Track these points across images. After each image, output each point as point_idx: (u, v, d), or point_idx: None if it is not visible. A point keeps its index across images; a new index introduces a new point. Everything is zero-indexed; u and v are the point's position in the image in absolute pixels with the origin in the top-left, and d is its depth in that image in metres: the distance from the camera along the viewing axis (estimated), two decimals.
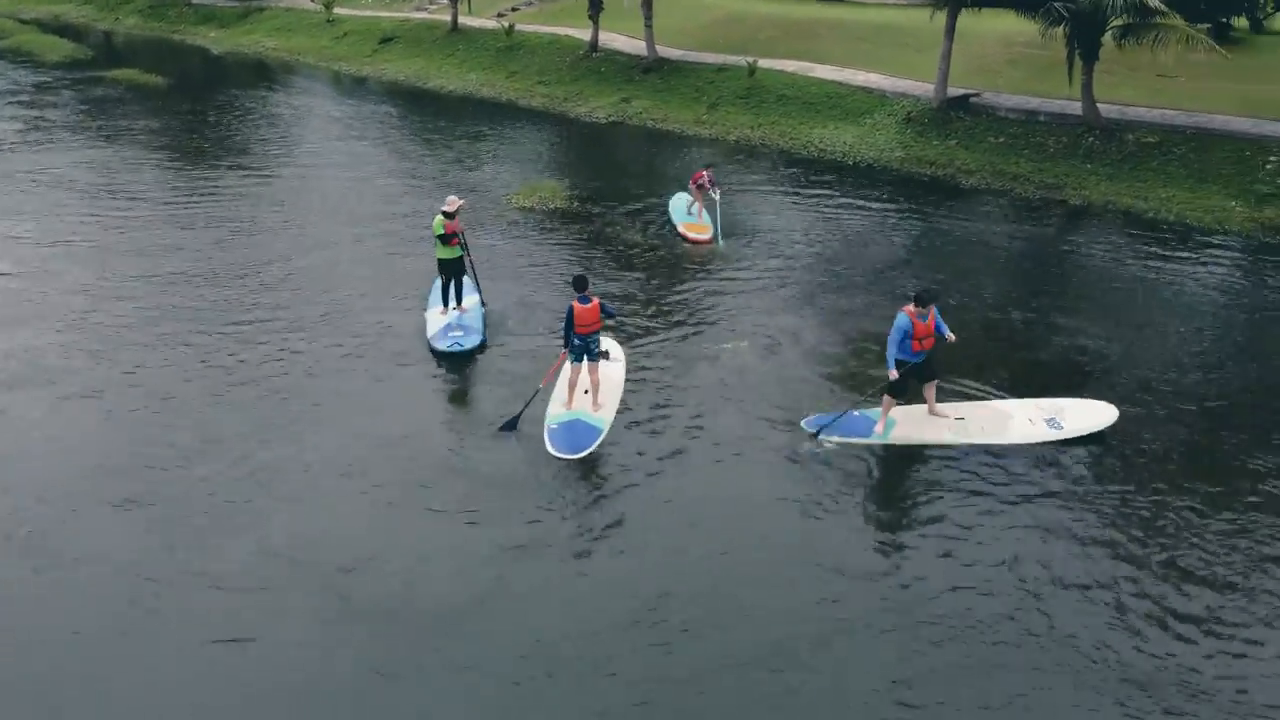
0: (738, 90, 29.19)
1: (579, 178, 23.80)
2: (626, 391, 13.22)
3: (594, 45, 34.19)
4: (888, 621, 9.39)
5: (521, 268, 17.86)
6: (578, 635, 9.19)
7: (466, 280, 15.59)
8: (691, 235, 19.43)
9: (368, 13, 45.16)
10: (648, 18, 31.88)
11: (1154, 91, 25.73)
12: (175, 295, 16.69)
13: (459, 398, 13.72)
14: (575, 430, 12.01)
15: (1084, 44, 22.78)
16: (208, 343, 14.93)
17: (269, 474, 11.65)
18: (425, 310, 15.65)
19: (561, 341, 12.59)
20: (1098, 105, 23.63)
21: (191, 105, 32.74)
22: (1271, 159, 21.02)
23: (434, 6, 44.42)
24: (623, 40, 34.83)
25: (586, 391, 12.50)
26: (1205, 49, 21.40)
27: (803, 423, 12.20)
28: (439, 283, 16.02)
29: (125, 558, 10.29)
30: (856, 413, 12.37)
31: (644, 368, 14.06)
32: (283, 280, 17.30)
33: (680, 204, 20.72)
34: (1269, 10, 29.29)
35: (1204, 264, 18.22)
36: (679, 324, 15.54)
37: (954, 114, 25.45)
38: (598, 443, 11.87)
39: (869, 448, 12.01)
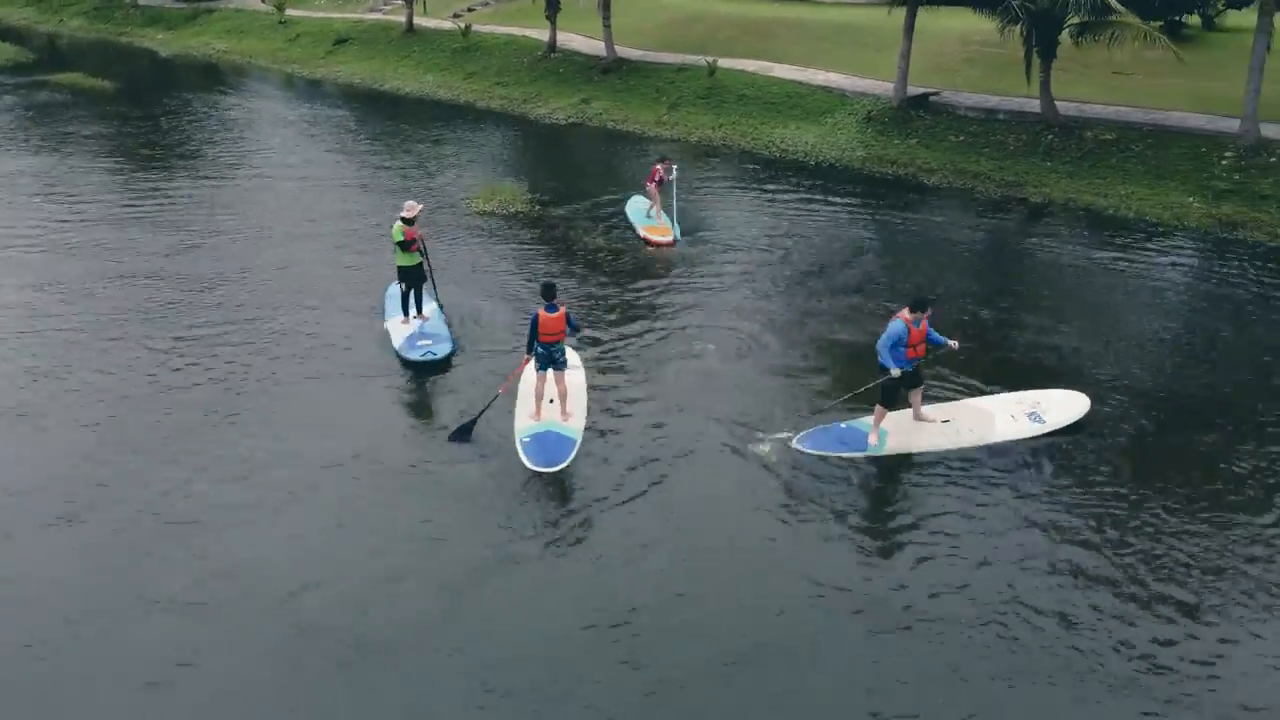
0: (698, 90, 29.01)
1: (539, 180, 23.47)
2: (592, 400, 12.95)
3: (552, 46, 33.86)
4: (861, 629, 9.25)
5: (482, 274, 17.52)
6: (541, 656, 8.93)
7: (426, 287, 15.23)
8: (654, 239, 19.21)
9: (320, 14, 44.44)
10: (606, 18, 31.61)
11: (1110, 89, 25.94)
12: (121, 306, 16.17)
13: (421, 409, 13.35)
14: (549, 442, 11.71)
15: (1042, 42, 22.88)
16: (154, 355, 14.45)
17: (216, 492, 11.23)
18: (385, 320, 15.26)
19: (524, 348, 12.30)
20: (1056, 103, 23.75)
21: (140, 109, 31.94)
22: (1227, 155, 21.22)
23: (388, 7, 43.81)
24: (581, 40, 34.53)
25: (552, 401, 12.21)
26: (1162, 46, 21.53)
27: (794, 442, 11.88)
28: (394, 290, 15.70)
29: (61, 579, 9.90)
30: (844, 425, 12.14)
31: (610, 374, 13.81)
32: (235, 290, 16.81)
33: (638, 207, 20.53)
34: (1220, 8, 29.65)
35: (1165, 260, 18.33)
36: (644, 329, 15.29)
37: (914, 113, 25.46)
38: (574, 453, 11.59)
39: (850, 457, 11.78)
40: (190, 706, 8.43)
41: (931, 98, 25.96)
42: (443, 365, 14.00)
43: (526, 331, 12.16)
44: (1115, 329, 15.38)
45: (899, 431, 12.03)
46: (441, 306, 15.60)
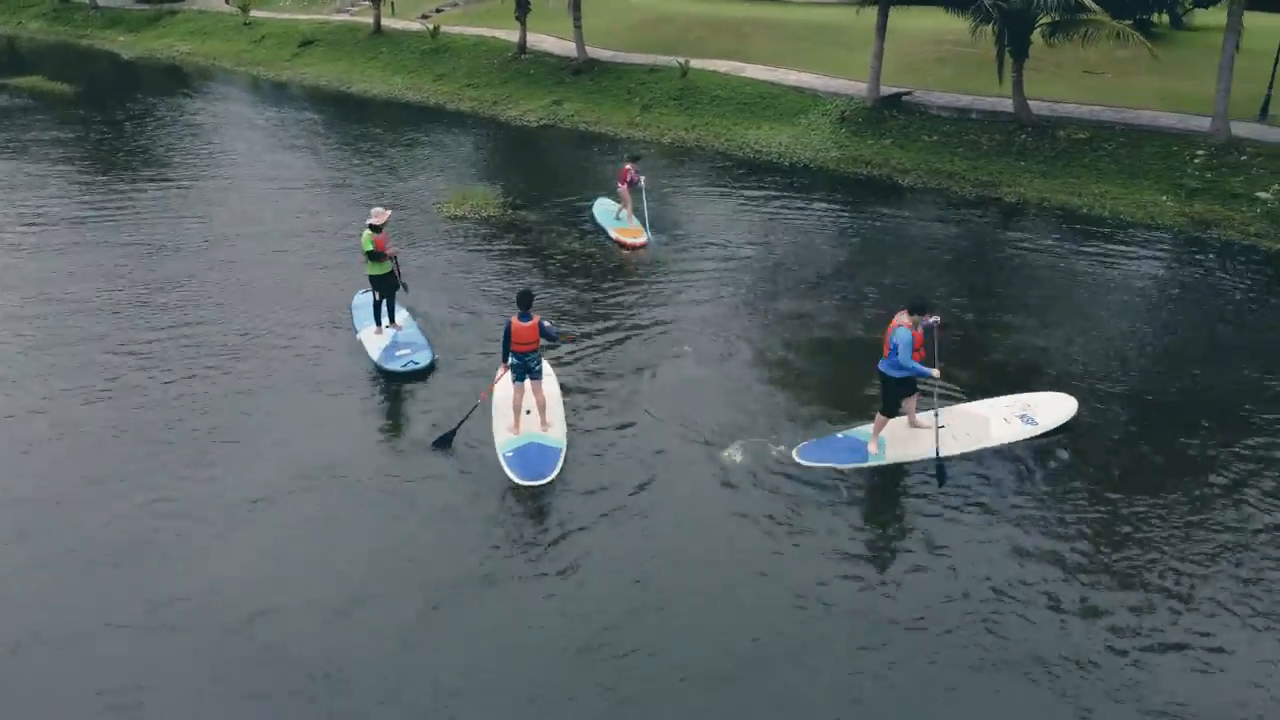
0: (671, 91, 28.81)
1: (511, 183, 23.17)
2: (570, 408, 12.69)
3: (522, 47, 33.55)
4: (850, 640, 9.06)
5: (454, 280, 17.18)
6: (519, 680, 8.64)
7: (398, 294, 14.89)
8: (627, 241, 18.99)
9: (286, 15, 43.88)
10: (577, 19, 31.36)
11: (1082, 88, 26.04)
12: (83, 316, 15.69)
13: (394, 421, 12.96)
14: (534, 454, 11.42)
15: (1014, 41, 22.87)
16: (113, 368, 13.98)
17: (178, 510, 10.82)
18: (357, 331, 14.88)
19: (500, 357, 12.00)
20: (1028, 102, 23.76)
21: (102, 113, 31.23)
22: (1199, 154, 21.29)
23: (355, 8, 43.32)
24: (551, 41, 34.25)
25: (529, 412, 11.93)
26: (1135, 44, 21.59)
27: (794, 454, 11.58)
28: (360, 300, 15.47)
29: (13, 598, 9.54)
30: (842, 435, 11.89)
31: (587, 382, 13.55)
32: (198, 299, 16.36)
33: (605, 209, 20.33)
34: (1187, 6, 29.85)
35: (1140, 260, 18.33)
36: (621, 334, 15.03)
37: (888, 113, 25.39)
38: (560, 464, 11.32)
39: (853, 468, 11.51)
40: None
41: (904, 97, 25.91)
42: (415, 375, 13.67)
43: (500, 341, 11.85)
44: (1095, 329, 15.31)
45: (895, 439, 11.78)
46: (414, 314, 15.29)
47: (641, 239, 18.99)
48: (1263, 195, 19.76)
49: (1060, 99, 25.24)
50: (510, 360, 11.63)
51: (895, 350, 11.12)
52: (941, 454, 11.28)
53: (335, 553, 10.18)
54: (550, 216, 20.63)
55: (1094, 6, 21.04)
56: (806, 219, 20.62)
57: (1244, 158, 20.89)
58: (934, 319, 11.56)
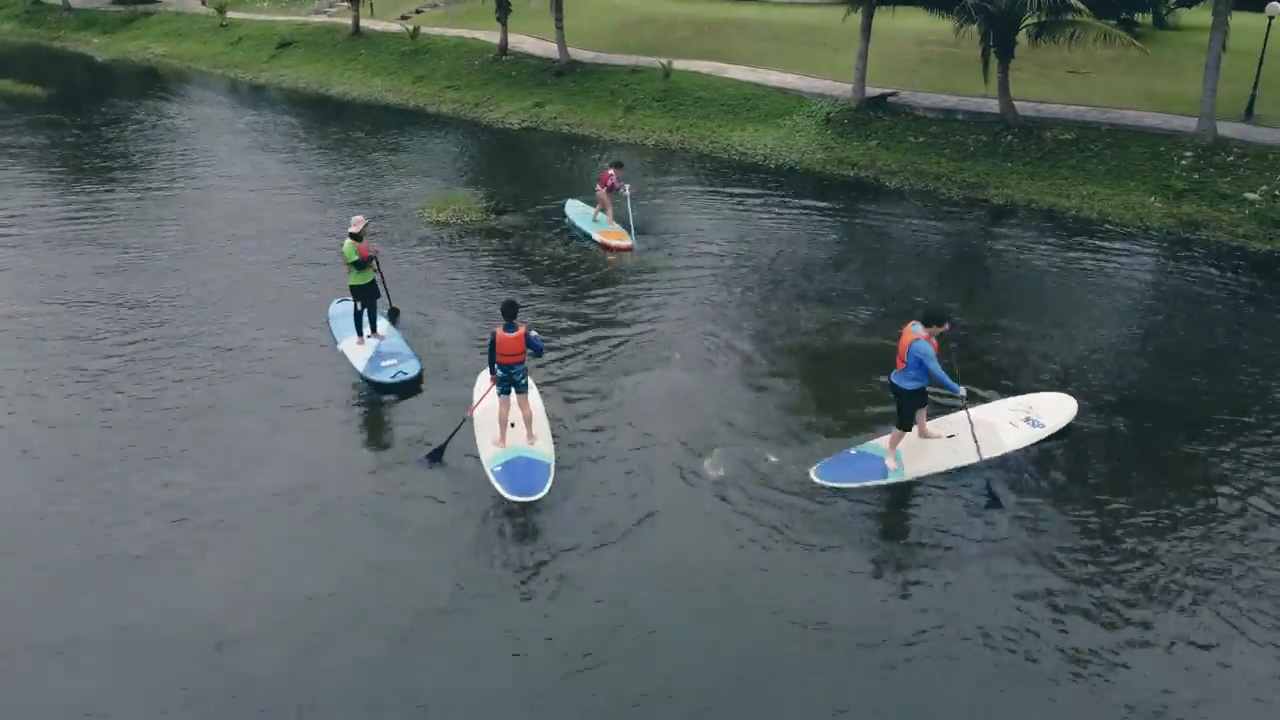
0: (654, 93, 28.54)
1: (494, 187, 22.83)
2: (556, 420, 12.39)
3: (503, 48, 33.20)
4: (837, 662, 8.84)
5: (437, 288, 16.84)
6: (498, 702, 8.37)
7: (379, 304, 14.56)
8: (613, 244, 18.73)
9: (263, 16, 43.33)
10: (558, 20, 31.04)
11: (1067, 88, 25.96)
12: (53, 326, 15.29)
13: (376, 436, 12.63)
14: (523, 469, 11.09)
15: (1000, 42, 22.72)
16: (84, 381, 13.59)
17: (148, 528, 10.47)
18: (337, 342, 14.50)
19: (487, 369, 11.71)
20: (1014, 103, 23.62)
21: (75, 117, 30.62)
22: (1186, 154, 21.19)
23: (334, 9, 42.84)
24: (533, 43, 33.91)
25: (513, 425, 11.61)
26: (1122, 44, 21.46)
27: (812, 474, 11.22)
28: (337, 310, 15.18)
29: None
30: (855, 451, 11.51)
31: (573, 392, 13.25)
32: (176, 307, 15.98)
33: (580, 211, 20.09)
34: (1171, 6, 29.84)
35: (1130, 261, 18.20)
36: (606, 342, 14.73)
37: (873, 114, 25.21)
38: (551, 478, 11.01)
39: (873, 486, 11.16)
40: None
41: (890, 98, 25.74)
42: (400, 386, 13.33)
43: (485, 353, 11.53)
44: (1088, 332, 15.14)
45: (910, 452, 11.41)
46: (396, 318, 14.93)
47: (626, 242, 18.73)
48: (1251, 196, 19.67)
49: (1045, 99, 25.14)
50: (495, 372, 11.31)
51: (912, 364, 10.72)
52: (958, 466, 11.04)
53: (312, 574, 9.85)
54: (533, 221, 20.32)
55: (1080, 6, 20.89)
56: (793, 222, 20.39)
57: (1231, 158, 20.81)
58: (944, 326, 11.15)
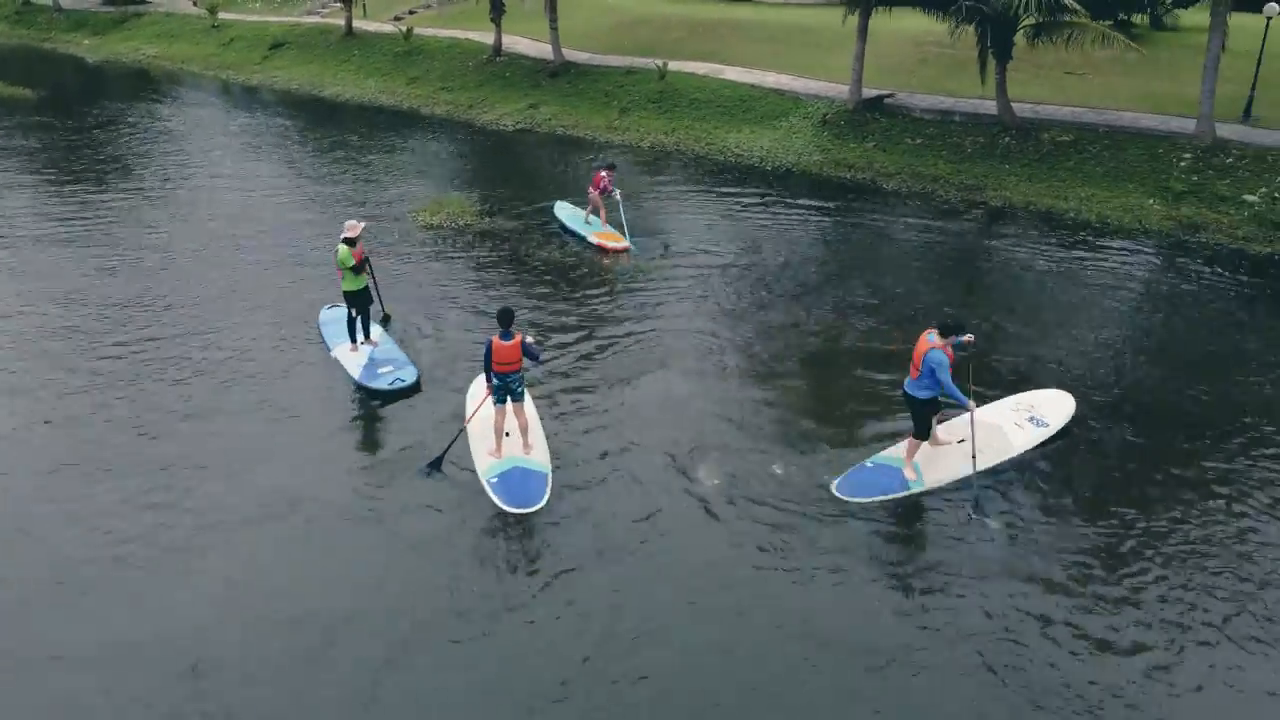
0: (649, 94, 28.37)
1: (488, 190, 22.64)
2: (552, 427, 12.20)
3: (497, 49, 33.01)
4: (836, 674, 8.69)
5: (430, 293, 16.62)
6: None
7: (372, 309, 14.38)
8: (609, 245, 18.58)
9: (255, 17, 43.09)
10: (552, 20, 30.87)
11: (1063, 89, 25.87)
12: (41, 331, 15.07)
13: (369, 446, 12.37)
14: (519, 480, 10.89)
15: (997, 43, 22.59)
16: (72, 385, 13.39)
17: (133, 543, 10.21)
18: (330, 349, 14.27)
19: (483, 377, 11.50)
20: (1011, 104, 23.50)
21: (66, 119, 30.34)
22: (1185, 156, 21.08)
23: (326, 10, 42.62)
24: (527, 43, 33.73)
25: (508, 434, 11.42)
26: (1120, 46, 21.34)
27: (832, 489, 10.91)
28: (327, 316, 15.00)
29: None
30: (871, 464, 11.25)
31: (568, 399, 13.06)
32: (167, 312, 15.76)
33: (571, 214, 19.96)
34: (1168, 6, 29.75)
35: (1130, 264, 18.07)
36: (602, 348, 14.55)
37: (870, 116, 25.07)
38: (549, 488, 10.83)
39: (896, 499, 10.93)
40: None
41: (886, 100, 25.60)
42: (395, 394, 13.12)
43: (481, 361, 11.34)
44: (1088, 335, 15.01)
45: (929, 464, 11.15)
46: (387, 324, 14.75)
47: (623, 243, 18.58)
48: (1250, 198, 19.57)
49: (1042, 100, 25.04)
50: (491, 380, 11.12)
51: (925, 372, 10.53)
52: (971, 472, 10.90)
53: (299, 589, 9.64)
54: (528, 224, 20.13)
55: (1076, 7, 20.77)
56: (791, 224, 20.24)
57: (1230, 160, 20.70)
58: (967, 336, 11.03)
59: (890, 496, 10.78)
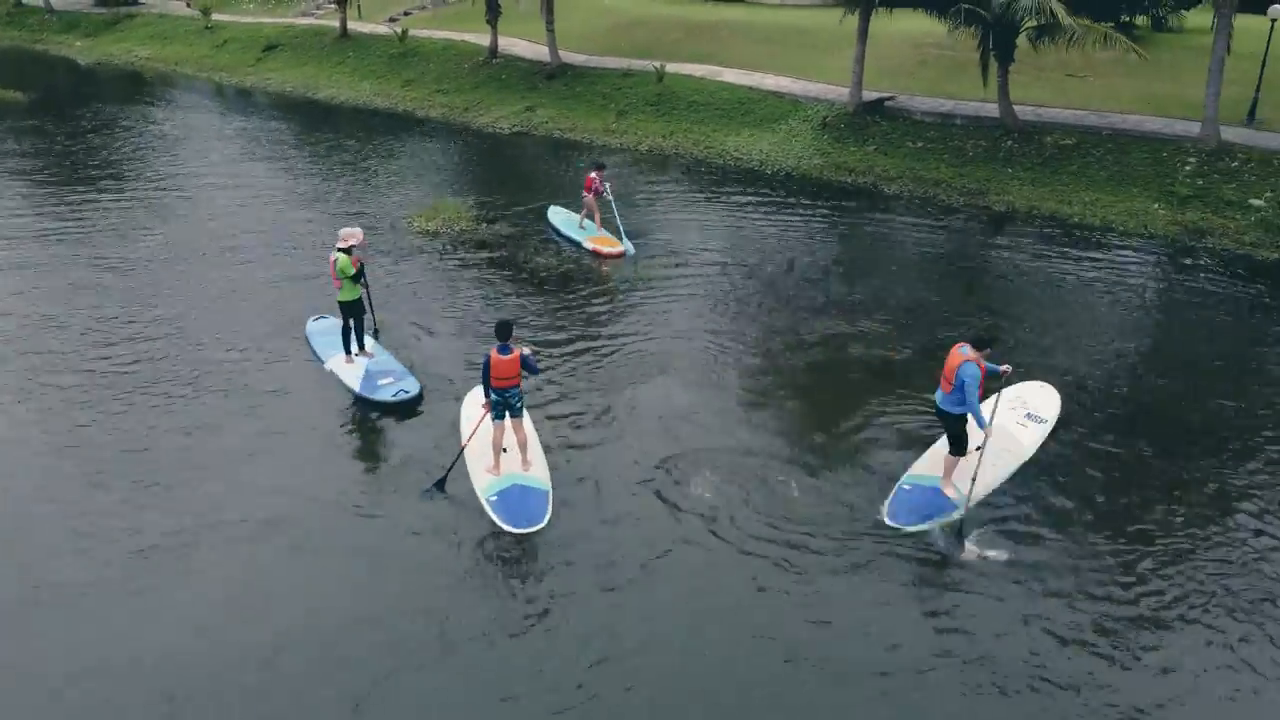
0: (647, 97, 28.09)
1: (485, 195, 22.36)
2: (551, 439, 11.93)
3: (493, 51, 32.71)
4: (834, 698, 8.43)
5: (426, 302, 16.31)
6: None
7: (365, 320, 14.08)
8: (604, 250, 18.35)
9: (249, 19, 42.74)
10: (549, 22, 30.58)
11: (1064, 91, 25.65)
12: (26, 338, 14.77)
13: (360, 462, 12.02)
14: (520, 498, 10.59)
15: (999, 46, 22.36)
16: (55, 395, 13.07)
17: (114, 565, 9.88)
18: (324, 362, 13.93)
19: (481, 392, 11.17)
20: (1013, 107, 23.26)
21: (58, 123, 29.97)
22: (1190, 160, 20.85)
23: (320, 11, 42.28)
24: (523, 45, 33.45)
25: (505, 450, 11.12)
26: (1124, 47, 21.10)
27: (884, 518, 10.43)
28: (315, 327, 14.71)
29: None
30: (909, 487, 10.81)
31: (567, 411, 12.78)
32: (156, 321, 15.42)
33: (565, 219, 19.73)
34: (1170, 7, 29.54)
35: (1135, 270, 17.85)
36: (602, 358, 14.28)
37: (870, 119, 24.81)
38: (550, 507, 10.53)
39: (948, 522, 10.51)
40: None
41: (887, 102, 25.35)
42: (390, 408, 12.83)
43: (480, 375, 11.03)
44: (1094, 344, 14.79)
45: (963, 478, 10.69)
46: (378, 335, 14.50)
47: (618, 248, 18.33)
48: (1256, 203, 19.34)
49: (1044, 103, 24.81)
50: (490, 396, 10.83)
51: (959, 386, 10.15)
52: (1007, 477, 10.80)
53: (292, 613, 9.34)
54: (524, 229, 19.85)
55: (1065, 15, 20.36)
56: (792, 230, 19.97)
57: (1235, 164, 20.47)
58: (1005, 367, 10.75)
59: (942, 520, 10.37)
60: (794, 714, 8.26)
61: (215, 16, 42.40)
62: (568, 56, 31.41)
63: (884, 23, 26.20)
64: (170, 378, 13.63)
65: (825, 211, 21.13)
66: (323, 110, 32.03)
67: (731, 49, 31.07)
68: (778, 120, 25.85)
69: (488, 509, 10.50)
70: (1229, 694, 8.44)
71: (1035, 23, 21.63)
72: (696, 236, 19.50)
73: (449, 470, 11.05)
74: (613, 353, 14.46)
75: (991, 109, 23.67)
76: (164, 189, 23.10)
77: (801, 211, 21.07)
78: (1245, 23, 24.21)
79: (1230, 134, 21.45)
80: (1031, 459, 11.43)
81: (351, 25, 37.63)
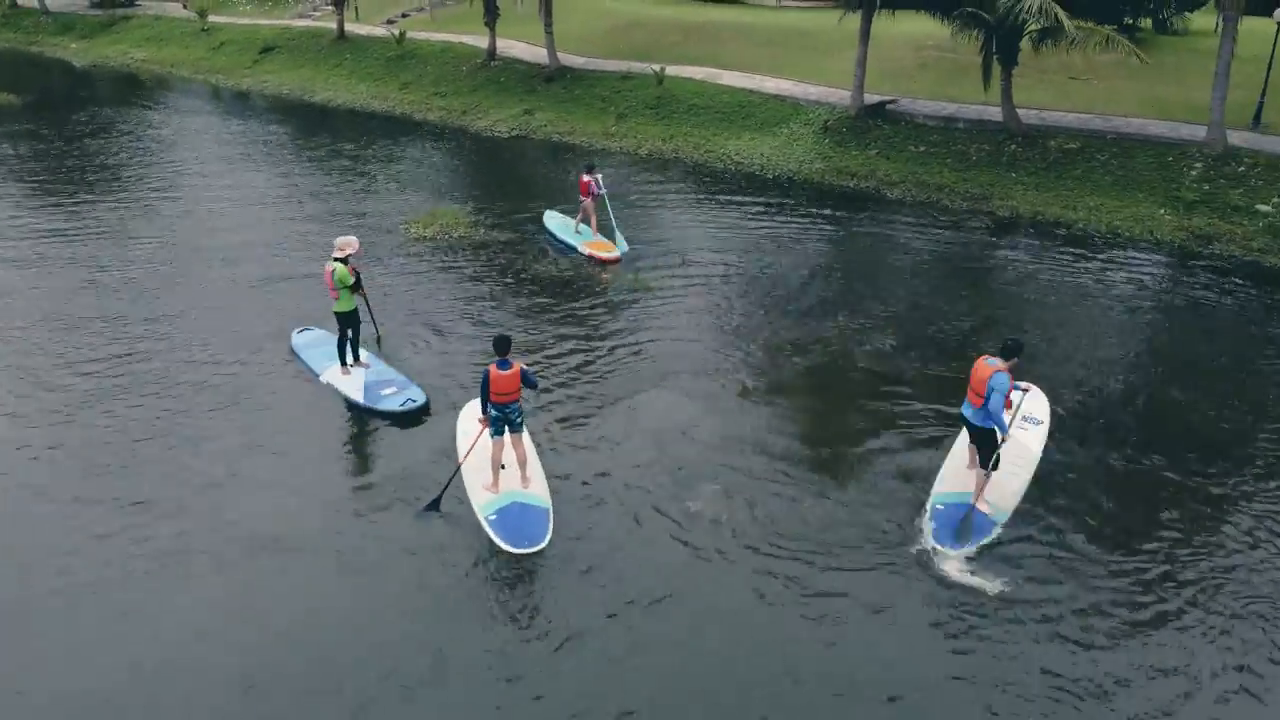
0: (646, 100, 27.85)
1: (483, 200, 22.12)
2: (549, 455, 11.69)
3: (491, 53, 32.47)
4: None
5: (424, 310, 16.05)
6: None
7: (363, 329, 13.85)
8: (601, 255, 18.14)
9: (246, 20, 42.47)
10: (548, 24, 30.34)
11: (1067, 94, 25.41)
12: (16, 347, 14.53)
13: (353, 479, 11.73)
14: (519, 516, 10.33)
15: (1003, 49, 22.12)
16: (45, 406, 12.81)
17: (92, 588, 9.61)
18: (319, 374, 13.64)
19: (480, 408, 10.90)
20: (1016, 110, 23.04)
21: (53, 125, 29.71)
22: (1195, 165, 20.63)
23: (318, 14, 42.00)
24: (522, 48, 33.19)
25: (504, 467, 10.86)
26: (1126, 50, 20.85)
27: (937, 546, 9.98)
28: (301, 339, 14.48)
29: None
30: (941, 506, 10.48)
31: (566, 424, 12.54)
32: (147, 329, 15.20)
33: (561, 223, 19.55)
34: (1172, 9, 29.33)
35: (1141, 277, 17.64)
36: (602, 368, 14.05)
37: (872, 122, 24.57)
38: (551, 525, 10.28)
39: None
40: None
41: (889, 106, 25.12)
42: (383, 418, 12.60)
43: (479, 390, 10.75)
44: (1100, 349, 14.59)
45: (995, 493, 10.48)
46: (380, 342, 14.25)
47: (614, 253, 18.12)
48: (1263, 208, 19.12)
49: (1047, 106, 24.57)
50: (489, 412, 10.59)
51: (988, 396, 9.85)
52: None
53: (279, 638, 9.08)
54: (523, 235, 19.61)
55: (1066, 21, 20.13)
56: (794, 235, 19.73)
57: (1241, 169, 20.25)
58: (1026, 386, 10.52)
59: (987, 541, 10.06)
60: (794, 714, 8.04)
61: (212, 18, 42.14)
62: (566, 59, 31.18)
63: (885, 24, 25.95)
64: (157, 389, 13.39)
65: (827, 216, 20.90)
66: (319, 113, 31.78)
67: (731, 51, 30.83)
68: (778, 124, 25.62)
69: (487, 528, 10.25)
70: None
71: (1038, 25, 21.39)
72: (697, 241, 19.27)
73: (444, 489, 10.81)
74: (613, 362, 14.23)
75: (994, 112, 23.44)
76: (159, 192, 22.86)
77: (803, 217, 20.84)
78: (1250, 25, 23.99)
79: (1236, 138, 21.23)
80: (1042, 461, 11.22)
81: (349, 27, 37.39)
